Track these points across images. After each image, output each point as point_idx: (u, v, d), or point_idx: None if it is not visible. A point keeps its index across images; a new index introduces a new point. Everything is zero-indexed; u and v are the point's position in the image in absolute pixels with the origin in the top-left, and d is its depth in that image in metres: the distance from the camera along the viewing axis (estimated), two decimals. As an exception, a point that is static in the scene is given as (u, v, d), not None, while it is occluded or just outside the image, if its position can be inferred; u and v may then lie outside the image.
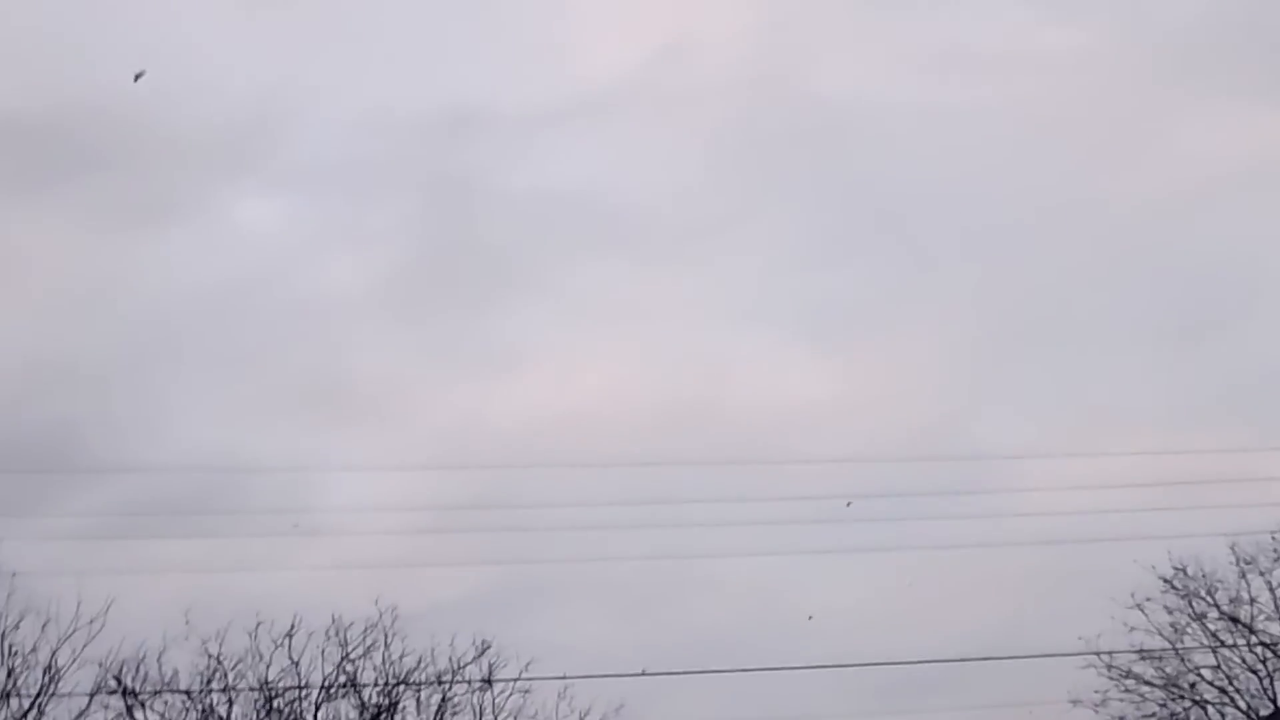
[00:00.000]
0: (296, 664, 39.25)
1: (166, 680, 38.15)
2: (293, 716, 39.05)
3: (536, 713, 39.82)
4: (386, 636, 39.88)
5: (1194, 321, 61.98)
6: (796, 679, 40.02)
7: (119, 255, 61.99)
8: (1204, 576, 41.55)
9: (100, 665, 37.30)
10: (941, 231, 65.93)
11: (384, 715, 39.56)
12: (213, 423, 54.38)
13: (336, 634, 39.76)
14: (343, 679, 39.40)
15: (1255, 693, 41.03)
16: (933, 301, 63.97)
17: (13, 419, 48.42)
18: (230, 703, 38.61)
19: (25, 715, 36.43)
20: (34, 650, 36.82)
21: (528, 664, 39.74)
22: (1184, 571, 41.61)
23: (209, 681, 38.54)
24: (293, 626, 39.34)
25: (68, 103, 62.15)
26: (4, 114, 59.62)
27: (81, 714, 37.04)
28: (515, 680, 39.77)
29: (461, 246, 66.21)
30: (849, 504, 42.89)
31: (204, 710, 38.44)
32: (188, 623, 38.50)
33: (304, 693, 39.14)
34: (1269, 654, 40.88)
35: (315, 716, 39.18)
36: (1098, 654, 41.14)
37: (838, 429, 57.12)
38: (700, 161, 69.83)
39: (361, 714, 39.47)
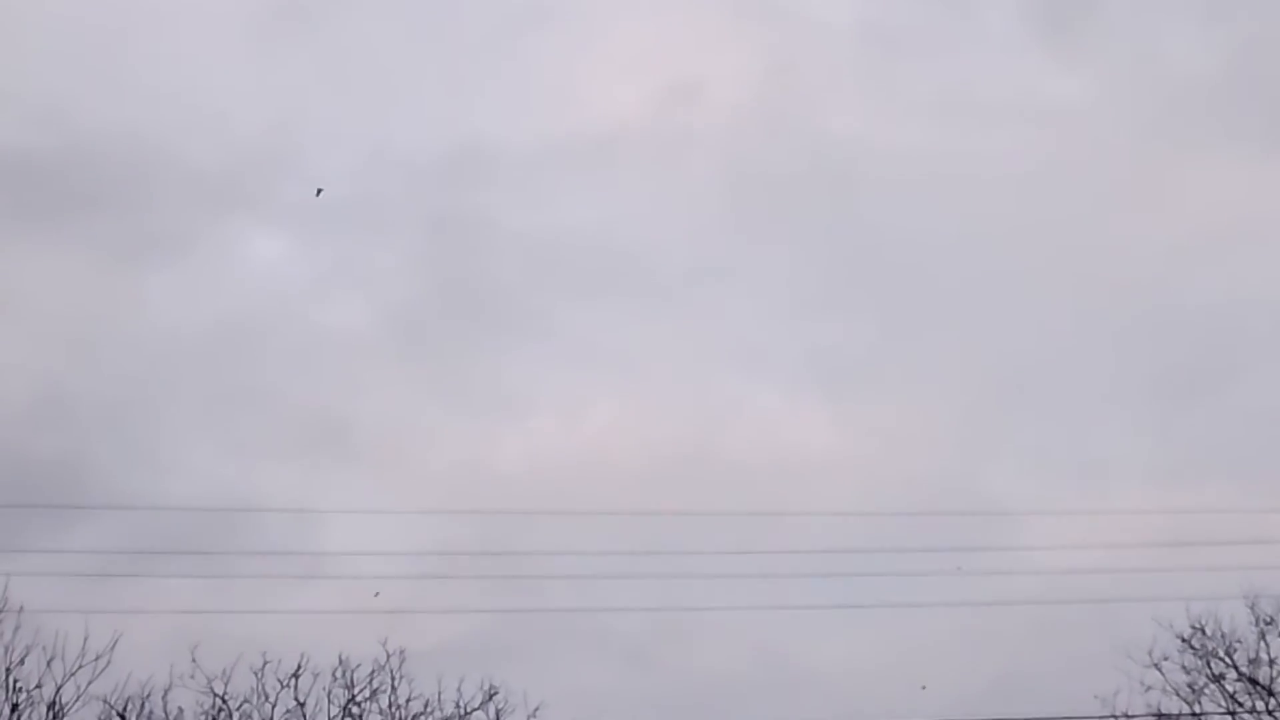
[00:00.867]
0: (302, 705, 38.98)
1: (171, 719, 37.84)
2: (298, 758, 38.64)
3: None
4: (393, 679, 39.53)
5: (1197, 374, 61.88)
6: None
7: (125, 291, 61.87)
8: (1223, 636, 41.06)
9: (105, 702, 37.14)
10: (949, 278, 65.92)
11: (390, 759, 39.12)
12: (217, 460, 54.17)
13: (343, 675, 39.53)
14: (349, 721, 38.99)
15: (1275, 758, 40.55)
16: (938, 350, 63.79)
17: (18, 454, 48.14)
18: (235, 743, 38.20)
19: (29, 750, 36.07)
20: (39, 686, 36.64)
21: (535, 709, 39.63)
22: (1202, 631, 41.09)
23: (214, 721, 38.09)
24: (299, 667, 39.20)
25: (76, 138, 62.19)
26: (11, 149, 59.67)
27: (86, 750, 36.64)
28: (524, 726, 39.38)
29: (467, 286, 66.08)
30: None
31: (209, 750, 38.01)
32: (194, 661, 38.40)
33: (309, 735, 38.74)
34: (1289, 717, 40.44)
35: (321, 759, 38.79)
36: (1114, 717, 40.50)
37: (840, 480, 56.82)
38: (707, 204, 69.75)
39: (368, 757, 39.07)
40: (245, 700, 38.50)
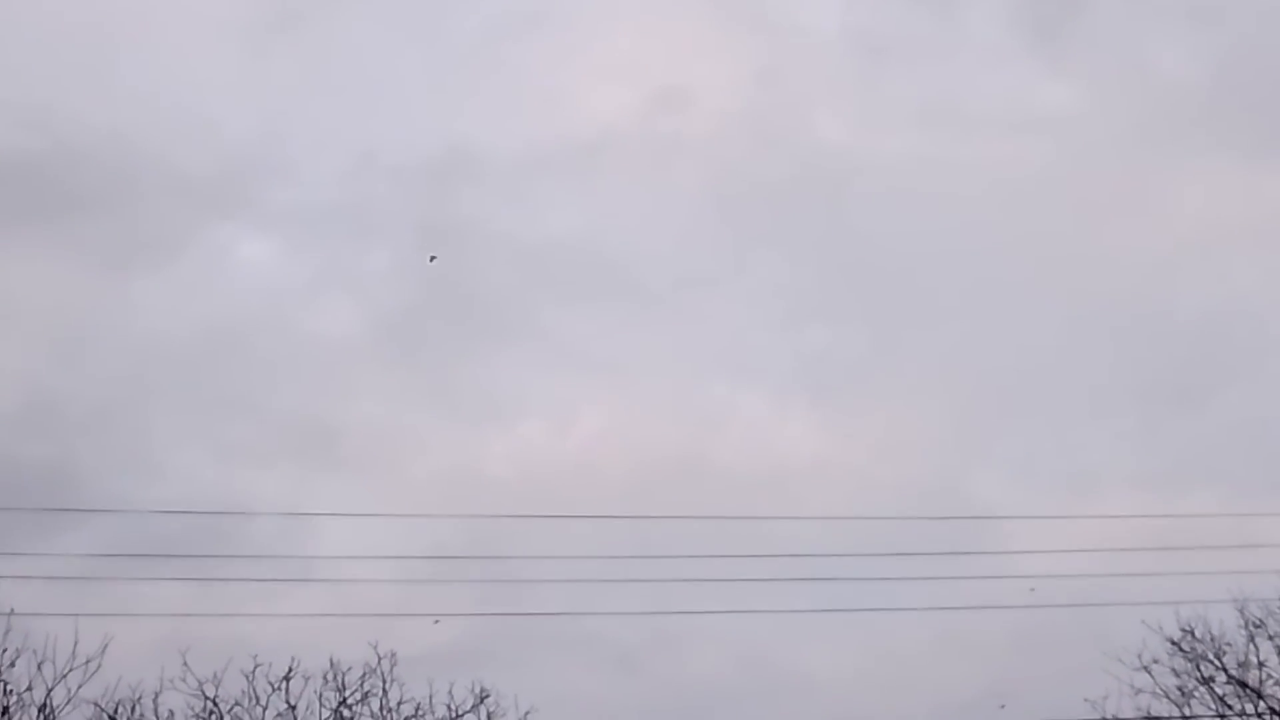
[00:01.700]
0: (293, 708, 38.89)
1: (162, 722, 37.62)
2: (289, 762, 38.54)
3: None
4: (385, 682, 39.49)
5: (1184, 381, 62.13)
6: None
7: (113, 295, 61.84)
8: (1212, 640, 41.16)
9: (96, 706, 36.99)
10: (938, 286, 66.15)
11: (381, 762, 39.05)
12: (206, 464, 54.17)
13: (334, 678, 39.41)
14: (340, 725, 38.92)
15: (1264, 760, 40.65)
16: (927, 356, 64.00)
17: (6, 457, 48.03)
18: (226, 746, 38.11)
19: (20, 754, 35.97)
20: (29, 689, 36.54)
21: (526, 714, 39.71)
22: (1192, 634, 41.22)
23: (205, 724, 38.02)
24: (290, 670, 39.06)
25: (64, 141, 62.12)
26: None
27: (77, 754, 36.52)
28: (515, 729, 39.30)
29: (455, 292, 65.97)
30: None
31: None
32: (184, 664, 38.33)
33: (301, 738, 38.64)
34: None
35: (313, 762, 38.68)
36: (1104, 720, 40.67)
37: (828, 486, 56.99)
38: (695, 211, 69.93)
39: (359, 761, 38.97)
40: (236, 703, 38.39)
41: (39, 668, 36.44)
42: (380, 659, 39.45)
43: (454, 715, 39.44)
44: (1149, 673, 41.06)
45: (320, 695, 39.06)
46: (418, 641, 43.53)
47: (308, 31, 74.19)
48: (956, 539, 44.98)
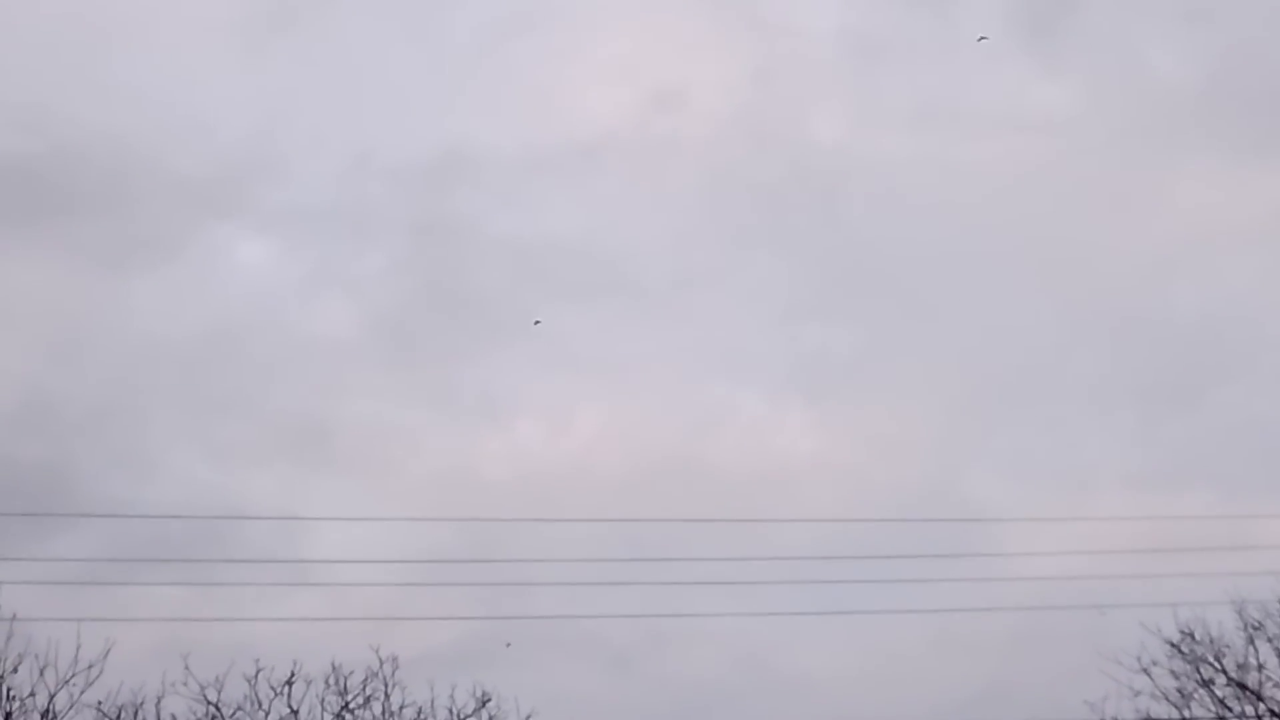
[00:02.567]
0: (296, 713, 38.84)
1: (164, 727, 37.61)
2: (292, 766, 38.52)
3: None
4: (387, 686, 39.46)
5: (1180, 381, 62.29)
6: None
7: (110, 296, 61.82)
8: (1211, 641, 41.19)
9: (98, 710, 37.00)
10: (933, 286, 66.29)
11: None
12: (202, 465, 54.24)
13: (336, 682, 39.38)
14: (342, 729, 38.91)
15: (1263, 761, 40.68)
16: (923, 356, 64.08)
17: (4, 458, 48.00)
18: (229, 750, 38.09)
19: (23, 759, 35.91)
20: (32, 694, 36.43)
21: (528, 716, 39.76)
22: (1191, 636, 41.25)
23: (207, 728, 38.02)
24: (292, 674, 39.05)
25: (60, 143, 62.09)
26: (-2, 153, 59.40)
27: (79, 759, 36.45)
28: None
29: (451, 291, 66.24)
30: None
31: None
32: (186, 668, 38.30)
33: (303, 742, 38.62)
34: (1277, 721, 40.61)
35: (315, 766, 38.66)
36: (1103, 721, 40.68)
37: (824, 486, 57.07)
38: (691, 211, 70.01)
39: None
40: (239, 707, 38.36)
41: (41, 673, 36.43)
42: (382, 662, 39.51)
43: (456, 718, 39.43)
44: (1148, 675, 41.15)
45: (323, 699, 39.12)
46: (417, 643, 43.68)
47: (303, 32, 74.39)
48: (953, 539, 45.10)
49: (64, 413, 54.98)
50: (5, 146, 59.99)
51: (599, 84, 73.21)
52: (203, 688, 38.16)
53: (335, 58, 73.55)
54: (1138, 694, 41.03)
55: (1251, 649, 41.06)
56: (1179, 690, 41.10)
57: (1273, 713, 40.39)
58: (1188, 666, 41.21)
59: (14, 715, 36.06)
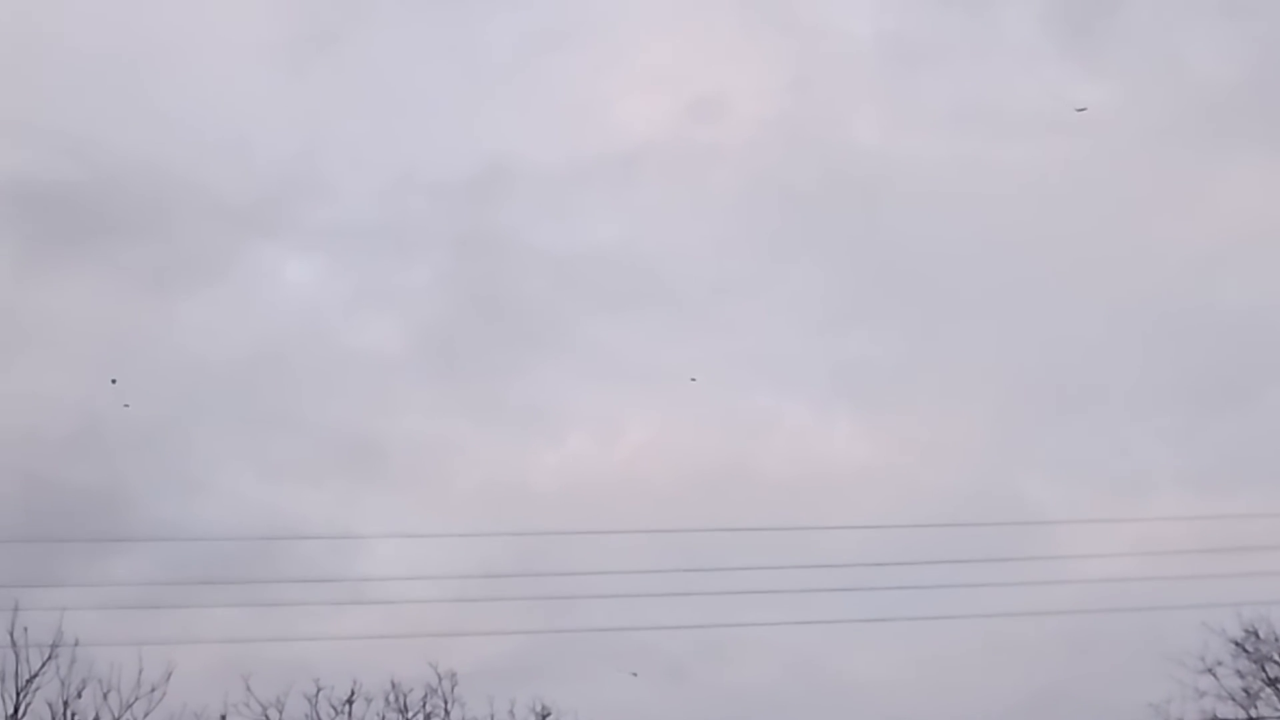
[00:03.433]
0: (357, 731, 38.84)
1: (227, 748, 37.90)
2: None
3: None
4: (446, 702, 39.50)
5: (1229, 379, 61.65)
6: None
7: (158, 318, 61.84)
8: (1276, 640, 40.76)
9: (162, 733, 37.01)
10: (975, 288, 65.86)
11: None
12: (252, 484, 54.17)
13: (396, 700, 39.42)
14: (404, 746, 39.02)
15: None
16: (967, 359, 63.65)
17: (56, 484, 48.25)
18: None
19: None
20: (96, 718, 36.63)
21: (587, 729, 39.58)
22: (1255, 634, 40.89)
23: (270, 749, 38.21)
24: (352, 693, 39.17)
25: (106, 169, 62.32)
26: (43, 181, 59.90)
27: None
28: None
29: (496, 304, 66.10)
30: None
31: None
32: (247, 689, 38.63)
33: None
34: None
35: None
36: (1168, 722, 40.41)
37: (873, 493, 56.67)
38: (731, 219, 69.75)
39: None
40: (300, 728, 38.53)
41: (105, 697, 36.75)
42: (441, 678, 39.57)
43: (516, 733, 39.50)
44: (1214, 675, 40.79)
45: (383, 716, 39.24)
46: (473, 658, 43.65)
47: (342, 52, 74.44)
48: (1004, 543, 44.78)
49: (115, 436, 55.07)
50: (54, 174, 60.29)
51: (636, 94, 73.21)
52: (264, 708, 38.56)
53: (374, 77, 73.74)
54: (1203, 695, 40.72)
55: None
56: (1244, 689, 40.78)
57: (1342, 710, 40.05)
58: (1253, 665, 40.87)
59: (79, 740, 36.20)
